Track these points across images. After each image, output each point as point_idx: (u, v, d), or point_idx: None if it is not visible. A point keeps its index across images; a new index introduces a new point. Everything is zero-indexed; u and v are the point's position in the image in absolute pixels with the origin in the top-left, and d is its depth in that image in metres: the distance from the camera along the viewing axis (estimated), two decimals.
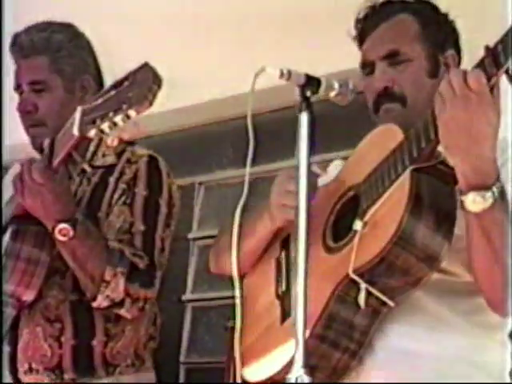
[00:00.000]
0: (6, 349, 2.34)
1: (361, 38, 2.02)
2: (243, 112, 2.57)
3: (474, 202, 1.61)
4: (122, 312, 2.27)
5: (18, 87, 2.45)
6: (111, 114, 1.94)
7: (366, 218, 1.73)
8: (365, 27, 2.01)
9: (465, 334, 1.79)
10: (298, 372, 1.54)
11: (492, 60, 1.56)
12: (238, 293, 1.72)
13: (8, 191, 2.27)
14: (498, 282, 1.68)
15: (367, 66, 1.98)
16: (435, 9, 2.03)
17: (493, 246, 1.65)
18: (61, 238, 2.18)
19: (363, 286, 1.70)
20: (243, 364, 1.88)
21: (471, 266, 1.72)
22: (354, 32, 2.04)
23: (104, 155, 2.41)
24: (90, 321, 2.31)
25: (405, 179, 1.69)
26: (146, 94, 1.90)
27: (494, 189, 1.61)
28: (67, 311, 2.30)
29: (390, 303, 1.72)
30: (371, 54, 1.97)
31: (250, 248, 1.99)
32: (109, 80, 2.37)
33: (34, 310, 2.31)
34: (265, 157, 2.97)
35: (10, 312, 2.27)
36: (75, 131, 2.02)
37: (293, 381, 1.54)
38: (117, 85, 1.98)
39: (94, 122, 1.98)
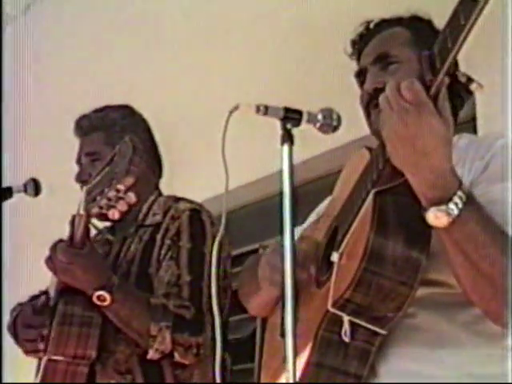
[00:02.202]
0: None
1: (358, 54, 1.87)
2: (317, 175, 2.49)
3: (437, 217, 1.41)
4: (178, 359, 2.24)
5: (78, 161, 2.53)
6: (106, 190, 2.06)
7: (341, 248, 1.56)
8: (360, 44, 1.86)
9: (466, 346, 1.56)
10: None
11: (428, 66, 1.38)
12: (218, 333, 1.63)
13: None
14: (487, 294, 1.46)
15: (360, 74, 1.82)
16: (429, 22, 1.86)
17: (471, 260, 1.43)
18: (100, 304, 2.20)
19: (346, 318, 1.52)
20: None
21: (456, 281, 1.51)
22: (350, 50, 1.90)
23: (154, 214, 2.43)
24: (158, 369, 2.28)
25: (369, 203, 1.52)
26: (127, 168, 2.02)
27: (457, 199, 1.40)
28: (135, 363, 2.29)
29: (381, 331, 1.54)
30: (363, 62, 1.82)
31: (258, 305, 1.90)
32: (165, 157, 2.56)
33: (106, 366, 2.31)
34: None
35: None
36: (82, 211, 2.15)
37: None
38: (109, 162, 2.08)
39: (94, 200, 2.10)
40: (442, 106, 1.40)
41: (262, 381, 1.89)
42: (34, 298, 2.50)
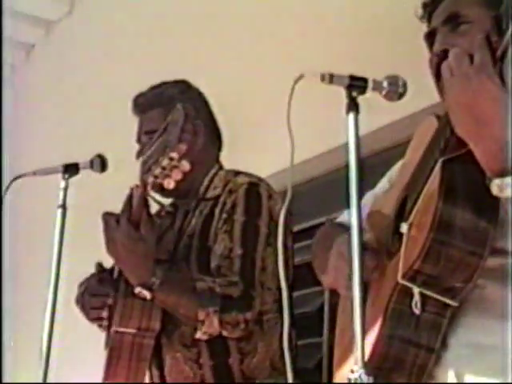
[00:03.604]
0: (155, 373, 2.37)
1: (429, 16, 1.78)
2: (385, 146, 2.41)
3: (501, 189, 1.36)
4: (226, 335, 2.20)
5: (138, 140, 2.48)
6: (160, 159, 2.01)
7: (410, 219, 1.52)
8: (432, 6, 1.77)
9: None
10: (357, 372, 1.39)
11: (495, 27, 1.33)
12: (285, 304, 1.63)
13: None
14: None
15: (430, 36, 1.73)
16: None
17: None
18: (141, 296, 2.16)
19: (416, 290, 1.48)
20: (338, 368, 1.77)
21: None
22: (420, 13, 1.80)
23: (215, 188, 2.37)
24: (223, 342, 2.25)
25: (436, 172, 1.47)
26: (179, 135, 1.98)
27: None
28: None
29: (452, 303, 1.49)
30: (434, 23, 1.72)
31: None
32: (229, 133, 2.50)
33: (172, 339, 2.30)
34: None
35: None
36: (139, 181, 2.08)
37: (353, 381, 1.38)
38: (162, 131, 2.04)
39: (149, 170, 2.05)
40: (507, 71, 1.34)
41: (335, 356, 1.83)
42: None
